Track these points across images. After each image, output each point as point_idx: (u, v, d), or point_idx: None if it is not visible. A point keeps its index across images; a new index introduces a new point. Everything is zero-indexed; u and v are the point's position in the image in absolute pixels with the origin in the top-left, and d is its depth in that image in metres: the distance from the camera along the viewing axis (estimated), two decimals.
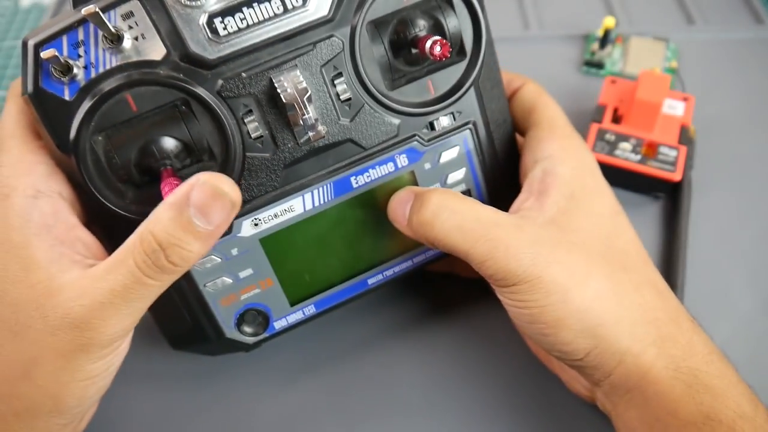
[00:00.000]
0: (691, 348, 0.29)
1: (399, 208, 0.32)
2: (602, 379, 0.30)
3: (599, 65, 0.54)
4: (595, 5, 0.60)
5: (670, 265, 0.41)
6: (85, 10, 0.25)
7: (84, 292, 0.26)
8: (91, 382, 0.28)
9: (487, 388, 0.37)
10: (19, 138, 0.29)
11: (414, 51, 0.31)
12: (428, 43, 0.29)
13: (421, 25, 0.31)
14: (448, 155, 0.34)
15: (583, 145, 0.34)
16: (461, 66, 0.32)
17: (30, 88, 0.27)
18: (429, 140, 0.33)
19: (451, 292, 0.40)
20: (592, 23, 0.56)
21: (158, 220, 0.26)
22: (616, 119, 0.46)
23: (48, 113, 0.27)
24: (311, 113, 0.29)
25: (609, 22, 0.52)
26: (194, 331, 0.34)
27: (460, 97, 0.32)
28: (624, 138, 0.44)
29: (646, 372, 0.29)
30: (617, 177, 0.43)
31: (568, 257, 0.30)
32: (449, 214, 0.30)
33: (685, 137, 0.44)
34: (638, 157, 0.43)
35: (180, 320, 0.34)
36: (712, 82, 0.52)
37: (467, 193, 0.35)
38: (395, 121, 0.32)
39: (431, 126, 0.33)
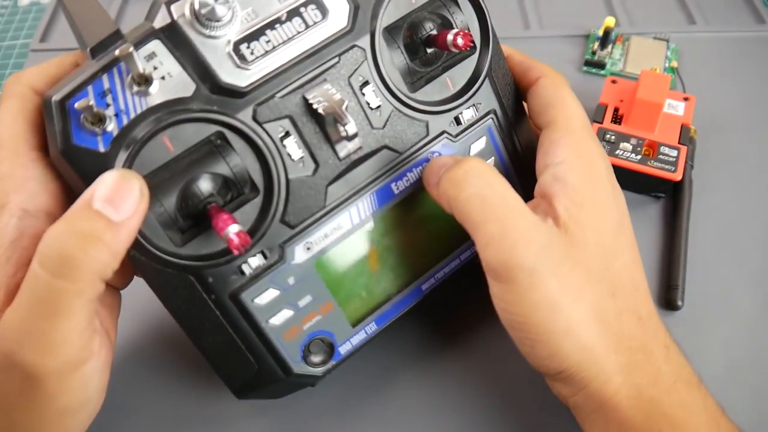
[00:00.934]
0: (657, 377, 0.29)
1: (436, 169, 0.31)
2: (567, 397, 0.31)
3: (600, 65, 0.53)
4: (596, 5, 0.60)
5: (670, 265, 0.41)
6: (119, 51, 0.24)
7: (9, 324, 0.24)
8: (70, 417, 0.27)
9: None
10: (11, 149, 0.27)
11: (429, 50, 0.31)
12: (450, 37, 0.29)
13: (431, 25, 0.31)
14: (477, 146, 0.34)
15: (598, 150, 0.33)
16: (473, 59, 0.33)
17: (61, 146, 0.25)
18: (457, 135, 0.33)
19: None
20: (593, 23, 0.56)
21: (66, 219, 0.24)
22: (617, 119, 0.46)
23: (84, 169, 0.26)
24: (351, 122, 0.28)
25: (609, 21, 0.52)
26: (261, 374, 0.32)
27: (478, 88, 0.33)
28: (625, 138, 0.44)
29: (608, 399, 0.29)
30: (618, 177, 0.43)
31: (569, 275, 0.29)
32: (479, 180, 0.29)
33: (685, 137, 0.44)
34: (639, 157, 0.43)
35: (245, 365, 0.32)
36: (712, 82, 0.52)
37: None
38: (423, 121, 0.32)
39: (457, 121, 0.33)
